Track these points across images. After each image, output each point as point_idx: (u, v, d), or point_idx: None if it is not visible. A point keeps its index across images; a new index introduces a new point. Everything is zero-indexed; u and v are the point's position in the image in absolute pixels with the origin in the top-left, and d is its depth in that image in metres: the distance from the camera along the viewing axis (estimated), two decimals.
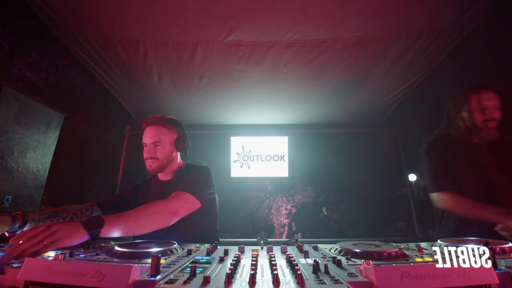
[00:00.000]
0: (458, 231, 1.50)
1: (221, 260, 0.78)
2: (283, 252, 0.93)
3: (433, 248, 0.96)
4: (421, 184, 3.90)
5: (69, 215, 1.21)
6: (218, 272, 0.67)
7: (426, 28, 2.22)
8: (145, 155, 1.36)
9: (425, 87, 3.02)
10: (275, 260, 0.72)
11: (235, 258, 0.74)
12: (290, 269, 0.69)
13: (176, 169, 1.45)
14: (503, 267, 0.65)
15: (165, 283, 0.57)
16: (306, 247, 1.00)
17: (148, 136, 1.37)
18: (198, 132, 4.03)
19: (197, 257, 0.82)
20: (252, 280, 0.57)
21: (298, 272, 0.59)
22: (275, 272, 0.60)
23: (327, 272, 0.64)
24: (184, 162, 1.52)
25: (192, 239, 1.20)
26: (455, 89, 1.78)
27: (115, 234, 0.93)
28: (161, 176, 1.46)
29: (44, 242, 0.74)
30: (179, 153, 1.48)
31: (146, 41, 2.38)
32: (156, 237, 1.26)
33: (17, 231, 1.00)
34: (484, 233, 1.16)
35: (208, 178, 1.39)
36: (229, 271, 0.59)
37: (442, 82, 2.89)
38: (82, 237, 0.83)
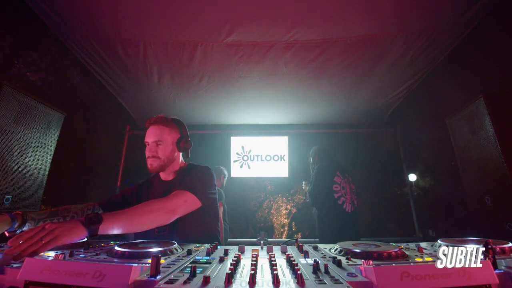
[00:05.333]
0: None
1: (221, 260, 0.78)
2: (283, 252, 0.93)
3: (434, 248, 0.97)
4: (421, 184, 3.90)
5: (70, 214, 1.21)
6: (218, 272, 0.67)
7: (426, 28, 2.22)
8: (147, 153, 1.36)
9: (425, 87, 3.02)
10: (275, 260, 0.72)
11: (235, 258, 0.74)
12: (290, 269, 0.69)
13: (178, 169, 1.45)
14: (503, 267, 0.65)
15: (165, 283, 0.56)
16: (306, 247, 1.00)
17: (150, 135, 1.37)
18: (198, 132, 4.03)
19: (197, 257, 0.82)
20: (252, 280, 0.57)
21: (298, 272, 0.59)
22: (275, 272, 0.60)
23: (327, 272, 0.64)
24: (186, 163, 1.52)
25: (193, 239, 1.19)
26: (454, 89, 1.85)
27: (114, 231, 0.92)
28: (163, 176, 1.46)
29: (43, 241, 0.74)
30: (181, 153, 1.48)
31: (146, 41, 2.38)
32: (157, 237, 1.26)
33: (16, 230, 1.00)
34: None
35: (210, 177, 1.39)
36: (229, 271, 0.59)
37: (442, 82, 2.89)
38: (81, 233, 0.82)
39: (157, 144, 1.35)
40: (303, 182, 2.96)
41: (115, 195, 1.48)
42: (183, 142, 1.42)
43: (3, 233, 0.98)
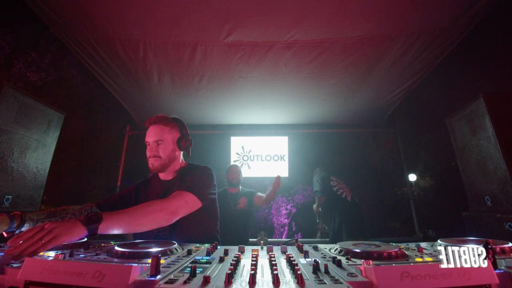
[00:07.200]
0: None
1: (221, 260, 0.78)
2: (283, 252, 0.93)
3: (434, 248, 0.96)
4: (421, 184, 3.90)
5: (68, 215, 1.20)
6: (218, 272, 0.67)
7: (426, 28, 2.22)
8: (148, 153, 1.36)
9: (425, 87, 3.02)
10: (275, 260, 0.72)
11: (235, 258, 0.74)
12: (290, 269, 0.69)
13: (178, 168, 1.45)
14: (503, 267, 0.65)
15: (165, 283, 0.56)
16: (306, 247, 1.00)
17: (151, 135, 1.36)
18: (198, 132, 4.03)
19: (197, 257, 0.82)
20: (252, 280, 0.57)
21: (298, 272, 0.59)
22: (275, 272, 0.60)
23: (327, 272, 0.64)
24: (186, 162, 1.52)
25: (193, 239, 1.19)
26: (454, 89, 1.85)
27: (114, 231, 0.92)
28: (163, 176, 1.45)
29: (43, 241, 0.74)
30: (181, 153, 1.48)
31: (146, 41, 2.38)
32: (157, 237, 1.26)
33: (15, 231, 1.00)
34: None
35: (210, 178, 1.39)
36: (229, 271, 0.59)
37: (442, 82, 2.89)
38: (80, 232, 0.82)
39: (158, 143, 1.35)
40: (314, 205, 3.33)
41: (114, 195, 1.48)
42: (183, 141, 1.42)
43: (2, 234, 0.98)
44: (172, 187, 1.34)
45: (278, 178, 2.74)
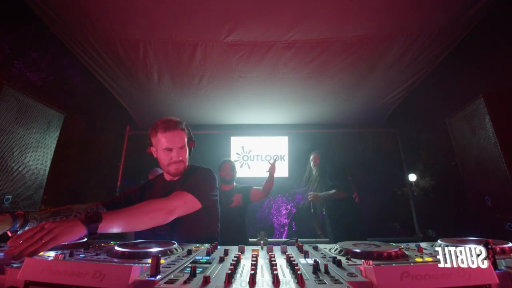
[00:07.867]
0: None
1: (221, 260, 0.78)
2: (283, 252, 0.93)
3: (434, 248, 0.96)
4: (421, 184, 3.90)
5: (72, 214, 1.20)
6: (218, 272, 0.67)
7: (426, 28, 2.22)
8: (173, 159, 1.36)
9: (425, 87, 3.02)
10: (275, 260, 0.72)
11: (235, 258, 0.74)
12: (290, 269, 0.69)
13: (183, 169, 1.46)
14: (503, 267, 0.65)
15: (165, 283, 0.57)
16: (306, 247, 1.00)
17: (176, 141, 1.37)
18: (198, 132, 4.02)
19: (197, 257, 0.82)
20: (252, 280, 0.57)
21: (298, 272, 0.59)
22: (275, 272, 0.60)
23: (327, 272, 0.64)
24: (188, 164, 1.52)
25: (193, 239, 1.20)
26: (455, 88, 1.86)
27: (114, 230, 0.93)
28: (168, 177, 1.46)
29: (43, 241, 0.74)
30: None
31: (146, 41, 2.38)
32: (158, 236, 1.26)
33: (18, 230, 1.00)
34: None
35: (211, 180, 1.41)
36: (229, 271, 0.59)
37: (442, 82, 2.89)
38: (80, 232, 0.82)
39: (181, 148, 1.38)
40: (318, 194, 3.02)
41: (118, 195, 1.49)
42: (192, 142, 1.47)
43: (6, 233, 0.98)
44: (175, 187, 1.35)
45: (273, 162, 2.63)
